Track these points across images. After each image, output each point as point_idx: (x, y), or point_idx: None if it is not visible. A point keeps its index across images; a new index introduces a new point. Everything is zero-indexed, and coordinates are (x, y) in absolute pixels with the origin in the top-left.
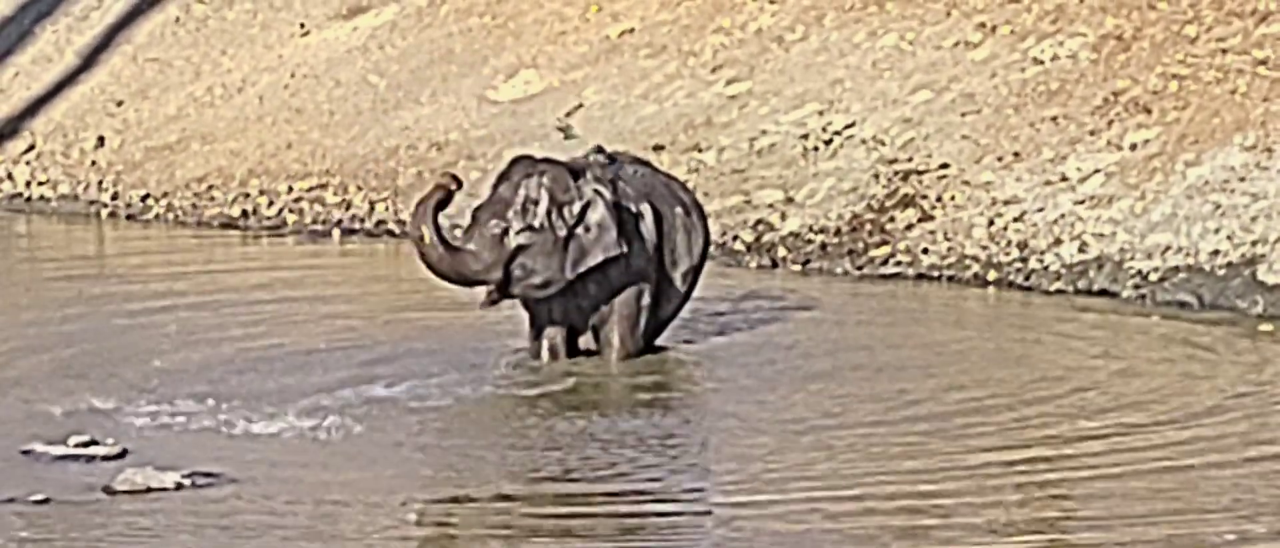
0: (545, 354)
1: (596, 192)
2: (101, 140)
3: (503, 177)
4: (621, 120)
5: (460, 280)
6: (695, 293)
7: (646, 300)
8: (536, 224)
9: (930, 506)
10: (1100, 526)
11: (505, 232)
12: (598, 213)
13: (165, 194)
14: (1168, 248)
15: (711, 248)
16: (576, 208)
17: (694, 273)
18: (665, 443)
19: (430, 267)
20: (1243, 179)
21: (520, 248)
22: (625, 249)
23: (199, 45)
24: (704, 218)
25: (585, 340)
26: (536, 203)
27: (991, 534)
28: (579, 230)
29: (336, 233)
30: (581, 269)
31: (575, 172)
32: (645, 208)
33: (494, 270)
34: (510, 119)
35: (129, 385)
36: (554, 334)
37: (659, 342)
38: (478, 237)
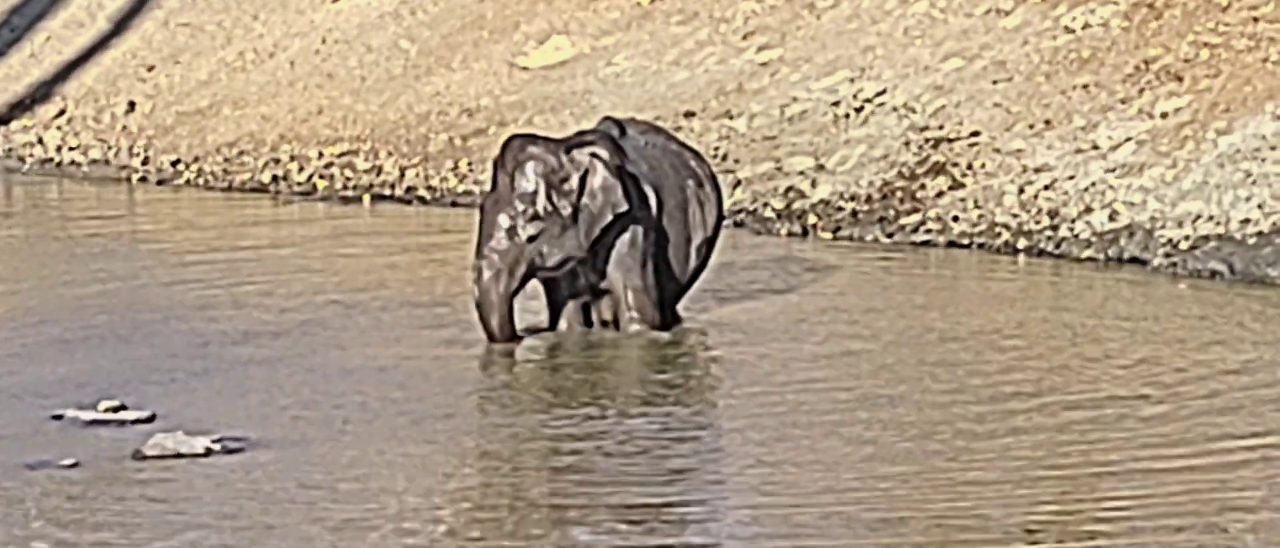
0: (563, 325)
1: (593, 156)
2: (132, 105)
3: (497, 164)
4: (652, 86)
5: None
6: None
7: (652, 272)
8: (541, 210)
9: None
10: (1128, 507)
11: (513, 227)
12: (598, 177)
13: (196, 159)
14: (1198, 216)
15: (742, 216)
16: (573, 181)
17: (707, 243)
18: (682, 419)
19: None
20: (1274, 148)
21: (531, 238)
22: (627, 207)
23: (230, 10)
24: (718, 188)
25: (599, 312)
26: (535, 191)
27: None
28: (584, 199)
29: (367, 199)
30: (597, 233)
31: (567, 145)
32: (647, 182)
33: (519, 268)
34: (541, 85)
35: (159, 351)
36: (570, 307)
37: (678, 309)
38: (490, 245)
